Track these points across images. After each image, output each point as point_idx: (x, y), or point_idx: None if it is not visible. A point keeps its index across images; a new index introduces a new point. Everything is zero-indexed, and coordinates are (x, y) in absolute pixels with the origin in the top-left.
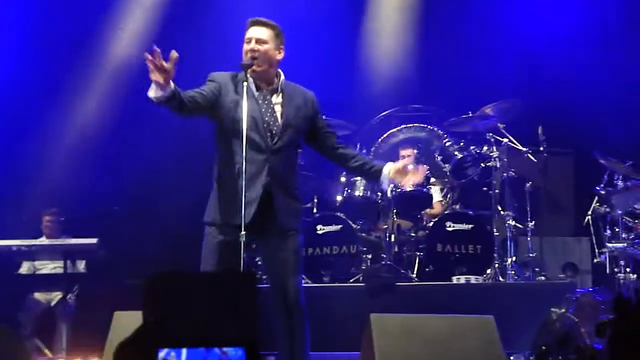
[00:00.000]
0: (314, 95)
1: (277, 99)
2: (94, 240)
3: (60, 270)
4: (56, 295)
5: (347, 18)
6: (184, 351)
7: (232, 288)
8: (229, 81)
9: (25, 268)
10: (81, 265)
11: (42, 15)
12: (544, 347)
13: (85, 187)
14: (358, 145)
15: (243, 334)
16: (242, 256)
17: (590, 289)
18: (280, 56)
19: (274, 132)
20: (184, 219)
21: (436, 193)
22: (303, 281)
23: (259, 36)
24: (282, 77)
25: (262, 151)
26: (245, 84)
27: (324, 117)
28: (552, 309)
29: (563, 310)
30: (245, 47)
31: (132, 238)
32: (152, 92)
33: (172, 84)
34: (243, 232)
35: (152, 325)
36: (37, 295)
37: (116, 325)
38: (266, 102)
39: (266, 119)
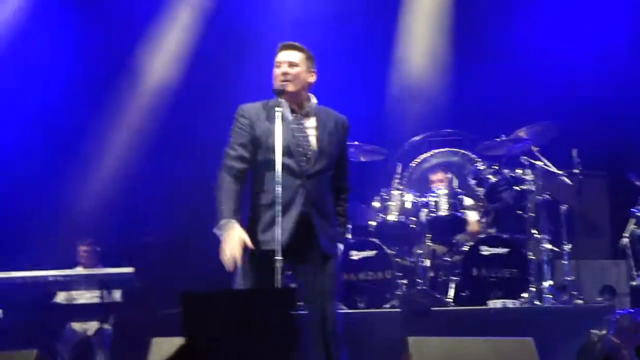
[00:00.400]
0: (345, 120)
1: (310, 123)
2: (130, 270)
3: (96, 300)
4: (93, 325)
5: (378, 42)
6: None
7: (270, 306)
8: (260, 110)
9: (61, 297)
10: (117, 295)
11: (82, 38)
12: None
13: (121, 218)
14: (400, 167)
15: (283, 353)
16: (277, 280)
17: (632, 310)
18: (312, 79)
19: (308, 157)
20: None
21: (473, 213)
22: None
23: (290, 59)
24: (314, 100)
25: (297, 176)
26: (278, 109)
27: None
28: (593, 331)
29: (604, 332)
30: (276, 71)
31: (167, 268)
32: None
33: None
34: (279, 257)
35: (191, 347)
36: (74, 325)
37: (154, 351)
38: (300, 126)
39: (300, 143)
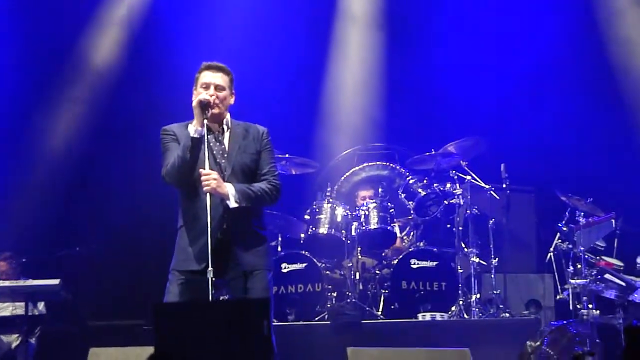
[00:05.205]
0: (264, 131)
1: (225, 139)
2: (56, 282)
3: (20, 312)
4: (17, 337)
5: (312, 54)
6: None
7: (243, 316)
8: (182, 129)
9: None
10: (41, 307)
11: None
12: None
13: (47, 229)
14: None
15: None
16: (210, 293)
17: (565, 322)
18: (233, 100)
19: (224, 172)
20: (147, 262)
21: (397, 229)
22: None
23: (217, 82)
24: (228, 116)
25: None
26: (206, 122)
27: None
28: (528, 343)
29: (538, 343)
30: (202, 92)
31: (92, 279)
32: (193, 130)
33: None
34: (210, 269)
35: (165, 357)
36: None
37: None
38: (217, 143)
39: (217, 160)
